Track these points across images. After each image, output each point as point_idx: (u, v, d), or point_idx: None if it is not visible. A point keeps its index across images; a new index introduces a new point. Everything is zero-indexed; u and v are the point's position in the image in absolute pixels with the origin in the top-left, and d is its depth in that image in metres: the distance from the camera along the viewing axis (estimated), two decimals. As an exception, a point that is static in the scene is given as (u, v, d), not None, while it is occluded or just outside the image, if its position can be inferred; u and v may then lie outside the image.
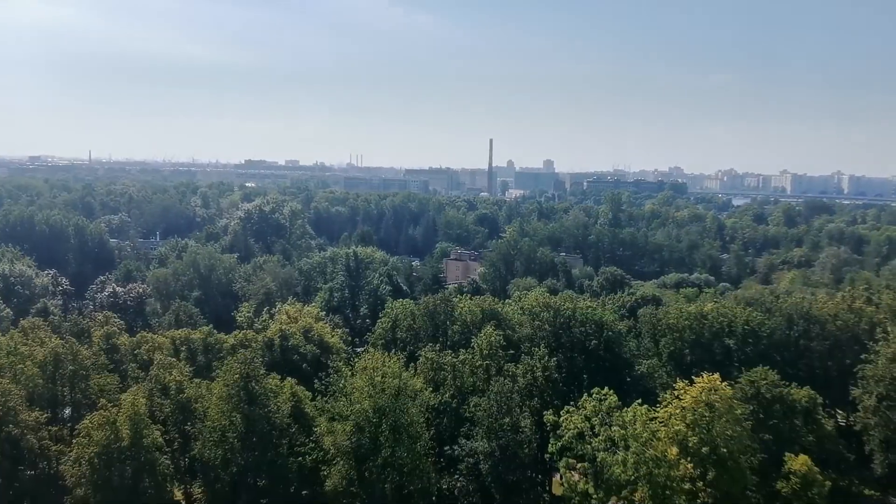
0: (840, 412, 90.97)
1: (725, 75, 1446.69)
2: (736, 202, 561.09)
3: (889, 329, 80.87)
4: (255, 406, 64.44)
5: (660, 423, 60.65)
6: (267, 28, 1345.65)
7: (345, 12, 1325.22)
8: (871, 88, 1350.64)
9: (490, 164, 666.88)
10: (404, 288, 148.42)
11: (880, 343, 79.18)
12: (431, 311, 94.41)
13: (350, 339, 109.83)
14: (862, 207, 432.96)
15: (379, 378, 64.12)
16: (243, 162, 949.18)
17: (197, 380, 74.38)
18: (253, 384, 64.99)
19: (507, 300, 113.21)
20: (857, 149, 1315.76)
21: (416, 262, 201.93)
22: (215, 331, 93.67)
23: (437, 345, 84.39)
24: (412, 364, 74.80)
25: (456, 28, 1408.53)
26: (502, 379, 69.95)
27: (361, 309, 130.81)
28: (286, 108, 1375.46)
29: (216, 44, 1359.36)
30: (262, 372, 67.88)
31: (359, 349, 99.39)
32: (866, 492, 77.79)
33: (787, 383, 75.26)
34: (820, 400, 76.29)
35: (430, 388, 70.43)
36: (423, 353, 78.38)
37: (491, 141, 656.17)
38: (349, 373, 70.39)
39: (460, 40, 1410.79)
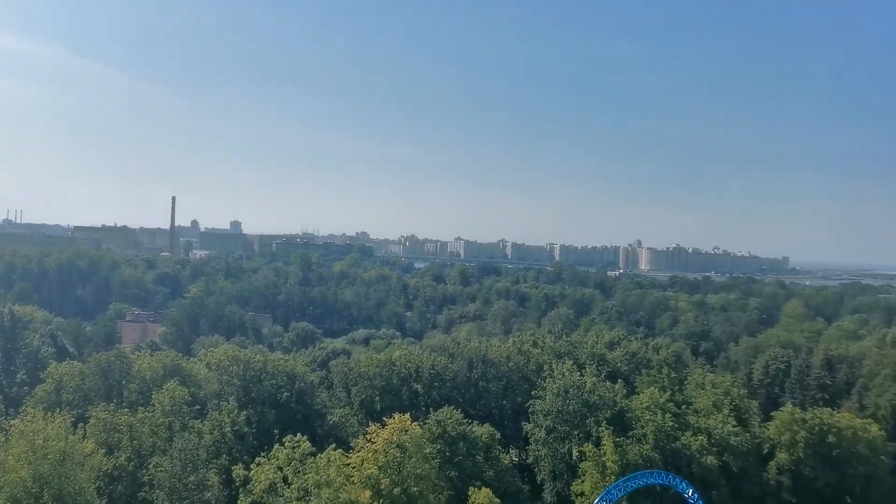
0: (515, 448, 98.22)
1: (404, 147, 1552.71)
2: (418, 265, 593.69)
3: (554, 367, 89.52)
4: None
5: (353, 468, 60.26)
6: None
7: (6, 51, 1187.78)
8: (530, 165, 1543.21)
9: (172, 223, 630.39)
10: (71, 350, 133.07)
11: (547, 380, 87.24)
12: (104, 370, 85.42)
13: (4, 409, 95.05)
14: (523, 270, 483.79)
15: (40, 442, 55.73)
16: None
17: None
18: None
19: (192, 359, 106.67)
20: (518, 219, 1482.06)
21: (86, 325, 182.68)
22: None
23: (112, 404, 76.10)
24: (81, 426, 66.34)
25: (139, 76, 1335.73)
26: (187, 435, 64.82)
27: (18, 374, 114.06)
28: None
29: None
30: None
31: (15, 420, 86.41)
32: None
33: (470, 422, 79.77)
34: (498, 436, 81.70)
35: (104, 451, 62.91)
36: (94, 413, 70.01)
37: (174, 199, 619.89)
38: (2, 439, 60.33)
39: (144, 89, 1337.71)
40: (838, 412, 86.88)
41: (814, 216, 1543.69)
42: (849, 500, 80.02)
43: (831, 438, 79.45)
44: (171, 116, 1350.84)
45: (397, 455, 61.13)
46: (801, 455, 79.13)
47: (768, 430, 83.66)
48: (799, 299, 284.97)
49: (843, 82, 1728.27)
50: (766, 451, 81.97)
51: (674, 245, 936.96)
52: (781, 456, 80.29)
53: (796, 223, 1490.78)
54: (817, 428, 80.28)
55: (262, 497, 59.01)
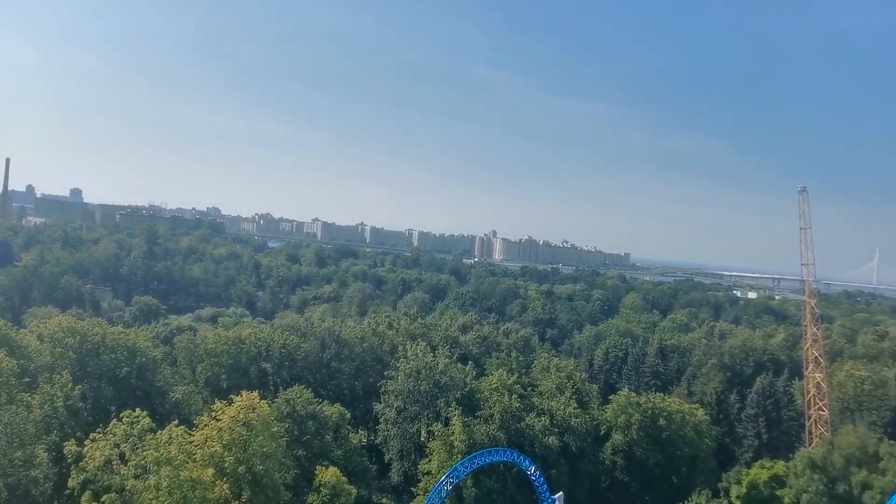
0: (364, 428, 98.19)
1: (269, 124, 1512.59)
2: (272, 244, 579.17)
3: (408, 348, 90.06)
4: None
5: (196, 445, 57.92)
6: None
7: None
8: (393, 152, 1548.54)
9: (5, 186, 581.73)
10: None
11: (400, 361, 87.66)
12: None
13: None
14: (381, 254, 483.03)
15: None
16: None
17: None
18: None
19: (22, 330, 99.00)
20: (378, 204, 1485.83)
21: None
22: None
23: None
24: None
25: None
26: (14, 408, 60.08)
27: None
28: None
29: None
30: None
31: None
32: (384, 500, 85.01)
33: (321, 401, 78.91)
34: (348, 416, 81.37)
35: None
36: None
37: (8, 161, 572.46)
38: None
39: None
40: (669, 397, 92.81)
41: (653, 217, 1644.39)
42: (675, 480, 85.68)
43: (662, 422, 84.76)
44: (8, 73, 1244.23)
45: (243, 433, 59.39)
46: (634, 436, 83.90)
47: (606, 412, 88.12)
48: (638, 293, 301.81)
49: (685, 91, 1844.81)
50: (603, 432, 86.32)
51: (526, 237, 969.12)
52: (617, 437, 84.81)
53: (637, 222, 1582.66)
54: (650, 411, 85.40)
55: (95, 475, 55.44)
